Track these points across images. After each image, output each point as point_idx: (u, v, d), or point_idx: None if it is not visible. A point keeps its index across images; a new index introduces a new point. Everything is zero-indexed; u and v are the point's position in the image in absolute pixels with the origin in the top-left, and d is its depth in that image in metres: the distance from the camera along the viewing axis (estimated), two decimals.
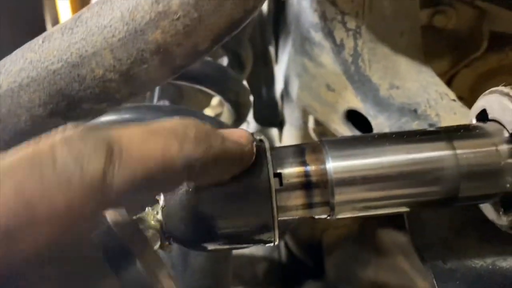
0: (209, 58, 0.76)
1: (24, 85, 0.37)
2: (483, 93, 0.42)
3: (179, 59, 0.36)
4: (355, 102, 0.59)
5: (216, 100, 0.82)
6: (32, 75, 0.37)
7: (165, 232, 0.34)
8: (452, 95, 0.57)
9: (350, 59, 0.58)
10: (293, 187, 0.36)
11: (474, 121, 0.43)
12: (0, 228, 0.22)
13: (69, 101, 0.39)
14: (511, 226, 0.39)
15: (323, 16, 0.57)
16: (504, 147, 0.38)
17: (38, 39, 0.38)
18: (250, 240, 0.36)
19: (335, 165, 0.36)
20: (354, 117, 0.64)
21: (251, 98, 0.90)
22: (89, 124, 0.42)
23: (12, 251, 0.23)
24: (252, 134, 0.36)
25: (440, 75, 0.78)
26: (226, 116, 0.81)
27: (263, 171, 0.35)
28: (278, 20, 0.85)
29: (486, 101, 0.41)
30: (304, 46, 0.63)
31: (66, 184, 0.24)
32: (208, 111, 1.03)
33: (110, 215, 0.30)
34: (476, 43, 0.78)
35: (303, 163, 0.37)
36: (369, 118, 0.58)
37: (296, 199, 0.36)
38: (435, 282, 0.42)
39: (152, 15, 0.34)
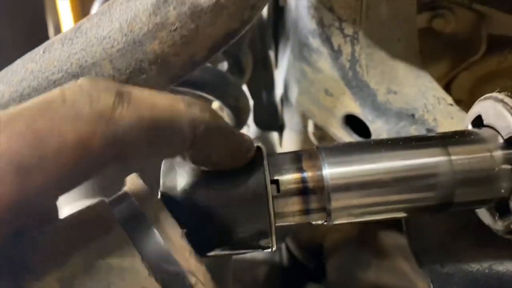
0: (208, 64, 0.77)
1: (25, 95, 0.38)
2: (479, 99, 0.42)
3: (177, 69, 0.36)
4: (353, 107, 0.60)
5: (215, 105, 0.82)
6: (33, 85, 0.37)
7: None
8: (449, 99, 0.58)
9: (347, 65, 0.58)
10: (290, 194, 0.37)
11: (469, 127, 0.43)
12: (13, 161, 0.23)
13: None
14: (507, 231, 0.40)
15: (320, 23, 0.58)
16: (498, 153, 0.38)
17: (39, 49, 0.39)
18: (247, 246, 0.36)
19: (332, 171, 0.37)
20: (353, 122, 0.65)
21: (251, 102, 0.90)
22: None
23: (25, 184, 0.24)
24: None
25: (439, 78, 0.79)
26: (226, 120, 0.82)
27: (260, 178, 0.35)
28: (278, 26, 0.86)
29: (481, 107, 0.42)
30: (302, 52, 0.64)
31: (75, 116, 0.25)
32: None
33: (128, 182, 0.32)
34: (475, 46, 0.79)
35: (300, 170, 0.37)
36: (367, 123, 0.59)
37: (293, 205, 0.37)
38: (432, 286, 0.43)
39: (150, 26, 0.34)
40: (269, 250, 0.37)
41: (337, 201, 0.37)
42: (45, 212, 0.30)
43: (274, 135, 1.01)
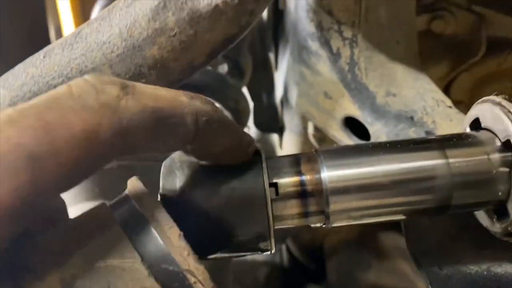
0: (208, 67, 0.77)
1: (26, 99, 0.38)
2: (476, 102, 0.43)
3: (176, 74, 0.37)
4: (353, 110, 0.60)
5: None
6: (33, 90, 0.38)
7: None
8: (448, 102, 0.58)
9: (346, 68, 0.59)
10: (289, 197, 0.37)
11: (468, 130, 0.44)
12: (25, 152, 0.24)
13: None
14: (505, 233, 0.40)
15: (319, 26, 0.58)
16: (496, 156, 0.38)
17: (40, 54, 0.39)
18: (246, 249, 0.37)
19: (330, 174, 0.37)
20: (353, 124, 0.65)
21: (251, 104, 0.91)
22: None
23: (38, 174, 0.24)
24: None
25: (439, 79, 0.79)
26: None
27: (259, 181, 0.35)
28: (278, 28, 0.86)
29: (479, 110, 0.42)
30: (301, 55, 0.64)
31: (82, 108, 0.26)
32: None
33: (129, 185, 0.33)
34: (474, 47, 0.79)
35: (299, 173, 0.38)
36: (367, 125, 0.59)
37: (292, 208, 0.37)
38: None
39: (149, 31, 0.35)
40: (268, 252, 0.37)
41: (336, 204, 0.37)
42: (53, 210, 0.31)
43: (274, 137, 1.02)
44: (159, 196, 0.35)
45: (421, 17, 0.71)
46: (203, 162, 0.35)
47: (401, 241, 0.93)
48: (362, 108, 0.58)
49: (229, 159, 0.35)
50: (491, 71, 0.83)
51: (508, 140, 0.38)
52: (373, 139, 0.60)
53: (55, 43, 0.39)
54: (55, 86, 0.37)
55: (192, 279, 0.30)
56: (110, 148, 0.27)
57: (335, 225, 0.39)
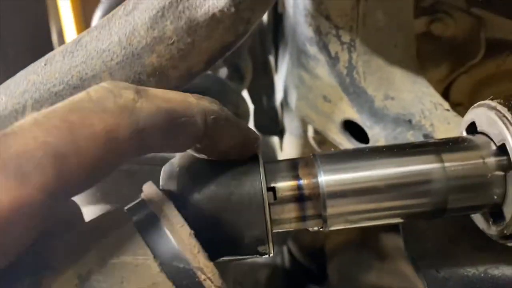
0: (208, 71, 0.78)
1: (28, 106, 0.39)
2: (472, 106, 0.43)
3: (174, 81, 0.37)
4: (351, 113, 0.60)
5: None
6: (35, 97, 0.38)
7: None
8: (446, 105, 0.58)
9: (345, 72, 0.59)
10: (286, 201, 0.37)
11: (464, 133, 0.44)
12: (51, 150, 0.26)
13: None
14: (501, 236, 0.40)
15: (317, 31, 0.58)
16: (491, 160, 0.39)
17: (41, 62, 0.40)
18: (244, 252, 0.37)
19: (327, 178, 0.38)
20: (352, 127, 0.65)
21: (252, 107, 0.91)
22: None
23: (62, 170, 0.26)
24: None
25: (439, 81, 0.79)
26: None
27: (256, 186, 0.36)
28: (278, 31, 0.86)
29: (475, 114, 0.42)
30: (300, 59, 0.65)
31: (102, 110, 0.28)
32: None
33: (144, 189, 0.34)
34: (474, 50, 0.79)
35: (296, 177, 0.38)
36: (365, 129, 0.59)
37: (290, 212, 0.38)
38: None
39: (148, 40, 0.35)
40: (266, 256, 0.38)
41: (333, 208, 0.37)
42: (71, 214, 0.33)
43: (275, 139, 1.02)
44: None
45: (420, 19, 0.71)
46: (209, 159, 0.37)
47: (401, 242, 0.93)
48: (361, 111, 0.58)
49: (237, 155, 0.37)
50: (490, 73, 0.83)
51: (503, 144, 0.38)
52: (372, 142, 0.60)
53: (56, 51, 0.40)
54: (56, 93, 0.38)
55: (202, 276, 0.31)
56: (128, 147, 0.29)
57: (332, 228, 0.39)
